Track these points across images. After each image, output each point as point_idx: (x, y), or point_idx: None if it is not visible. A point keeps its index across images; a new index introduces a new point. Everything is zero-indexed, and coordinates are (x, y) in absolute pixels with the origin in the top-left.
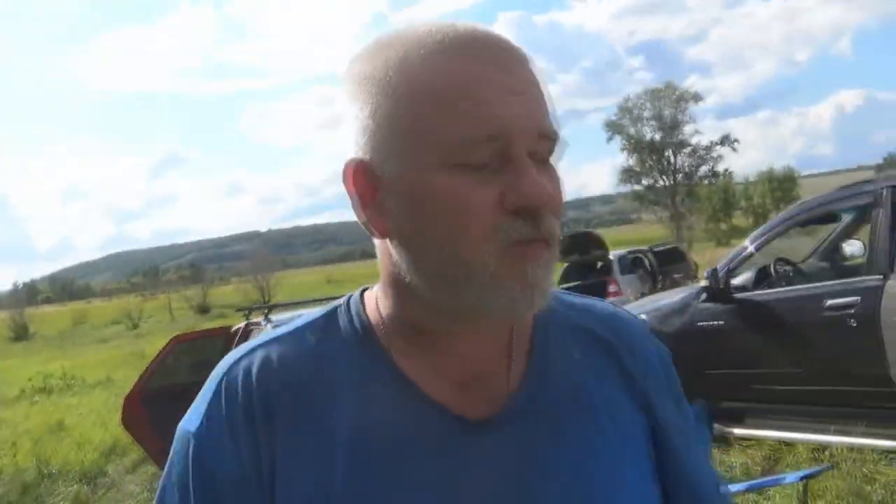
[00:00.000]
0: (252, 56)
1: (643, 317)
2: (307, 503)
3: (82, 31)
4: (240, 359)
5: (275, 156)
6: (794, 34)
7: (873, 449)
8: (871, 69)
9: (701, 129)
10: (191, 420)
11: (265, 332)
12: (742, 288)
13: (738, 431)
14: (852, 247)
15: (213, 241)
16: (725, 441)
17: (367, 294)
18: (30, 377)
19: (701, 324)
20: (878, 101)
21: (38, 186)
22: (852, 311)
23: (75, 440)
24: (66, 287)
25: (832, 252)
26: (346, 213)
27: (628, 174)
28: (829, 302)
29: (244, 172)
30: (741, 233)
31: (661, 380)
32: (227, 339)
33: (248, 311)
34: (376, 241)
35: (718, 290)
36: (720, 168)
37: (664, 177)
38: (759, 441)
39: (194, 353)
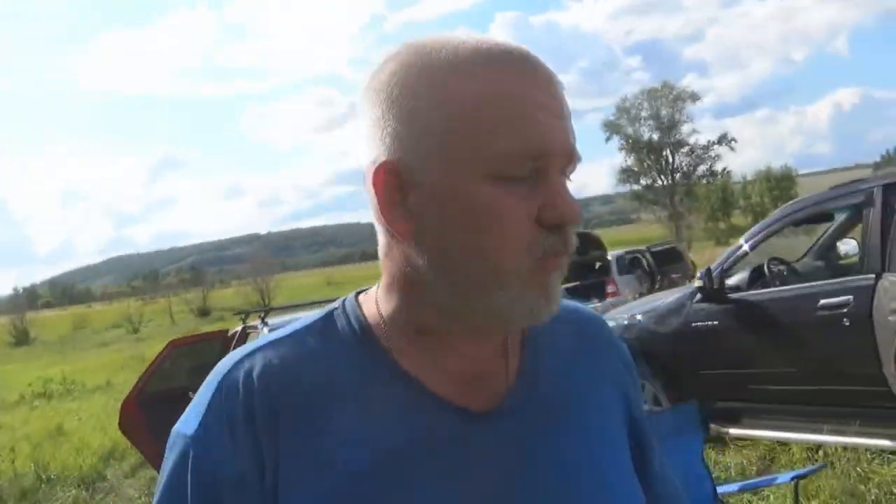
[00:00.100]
0: (251, 57)
1: (639, 318)
2: (326, 501)
3: (81, 32)
4: (239, 362)
5: (274, 158)
6: (790, 33)
7: (867, 448)
8: (867, 67)
9: (699, 129)
10: (188, 423)
11: (262, 336)
12: (736, 288)
13: (733, 431)
14: (847, 246)
15: (212, 243)
16: (721, 441)
17: (361, 297)
18: (29, 382)
19: (696, 324)
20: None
21: (38, 189)
22: (845, 310)
23: (74, 445)
24: (66, 291)
25: (826, 251)
26: (345, 216)
27: (627, 174)
28: (823, 301)
29: (243, 174)
30: (740, 232)
31: (634, 379)
32: (224, 342)
33: (244, 314)
34: (384, 241)
35: (712, 291)
36: (718, 167)
37: (662, 176)
38: (754, 441)
39: (191, 357)
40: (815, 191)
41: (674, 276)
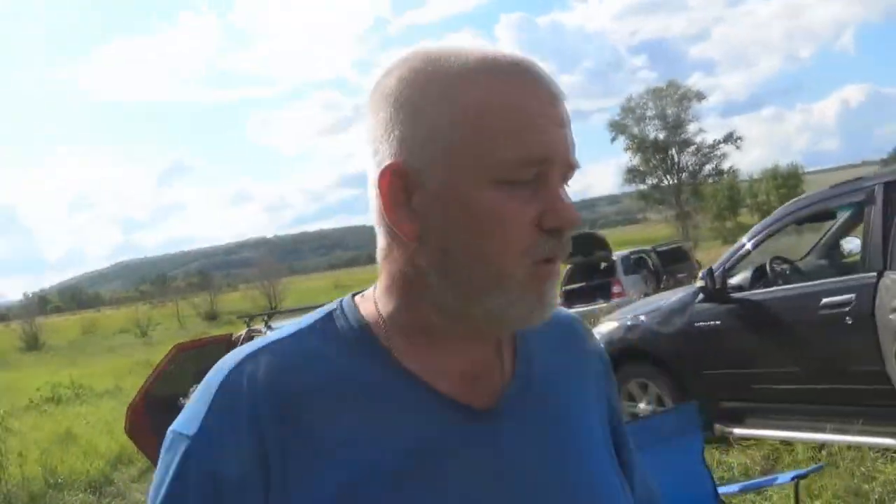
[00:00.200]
0: (256, 63)
1: (642, 318)
2: (331, 502)
3: (88, 41)
4: (240, 362)
5: (280, 162)
6: (796, 30)
7: (871, 447)
8: (874, 64)
9: (705, 128)
10: (187, 423)
11: (262, 337)
12: (739, 287)
13: (737, 431)
14: (850, 244)
15: (220, 248)
16: (725, 441)
17: (358, 298)
18: (38, 387)
19: (698, 324)
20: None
21: (46, 197)
22: (847, 309)
23: (82, 449)
24: (75, 296)
25: (830, 250)
26: (351, 218)
27: (633, 174)
28: (825, 300)
29: (250, 180)
30: (747, 231)
31: (612, 381)
32: (228, 346)
33: (249, 318)
34: (385, 242)
35: (715, 291)
36: (725, 166)
37: (669, 176)
38: (758, 441)
39: (197, 360)
40: (822, 188)
41: (679, 275)
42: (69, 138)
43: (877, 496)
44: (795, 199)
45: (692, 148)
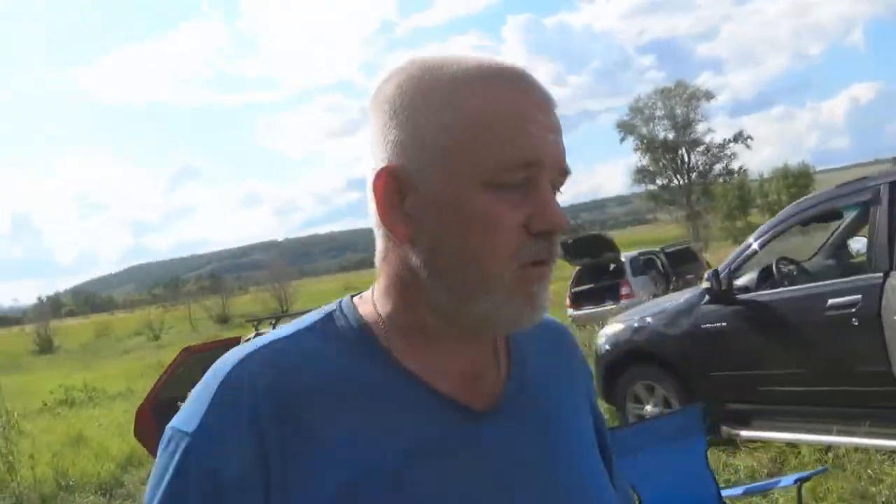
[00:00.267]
0: (263, 68)
1: (648, 320)
2: (331, 502)
3: (96, 47)
4: (241, 361)
5: (288, 165)
6: (804, 28)
7: (878, 449)
8: (884, 61)
9: (714, 127)
10: (187, 420)
11: (261, 337)
12: (745, 289)
13: (744, 433)
14: (858, 244)
15: (231, 251)
16: (732, 443)
17: (356, 300)
18: (51, 390)
19: (704, 326)
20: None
21: (58, 201)
22: (854, 309)
23: (93, 451)
24: (88, 300)
25: (837, 250)
26: (360, 221)
27: (642, 174)
28: (831, 301)
29: (258, 183)
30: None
31: (592, 385)
32: None
33: (257, 321)
34: (382, 245)
35: (721, 292)
36: (735, 165)
37: (678, 176)
38: (765, 443)
39: (206, 363)
40: (828, 188)
41: (689, 276)
42: (79, 142)
43: (883, 499)
44: (801, 199)
45: (701, 148)
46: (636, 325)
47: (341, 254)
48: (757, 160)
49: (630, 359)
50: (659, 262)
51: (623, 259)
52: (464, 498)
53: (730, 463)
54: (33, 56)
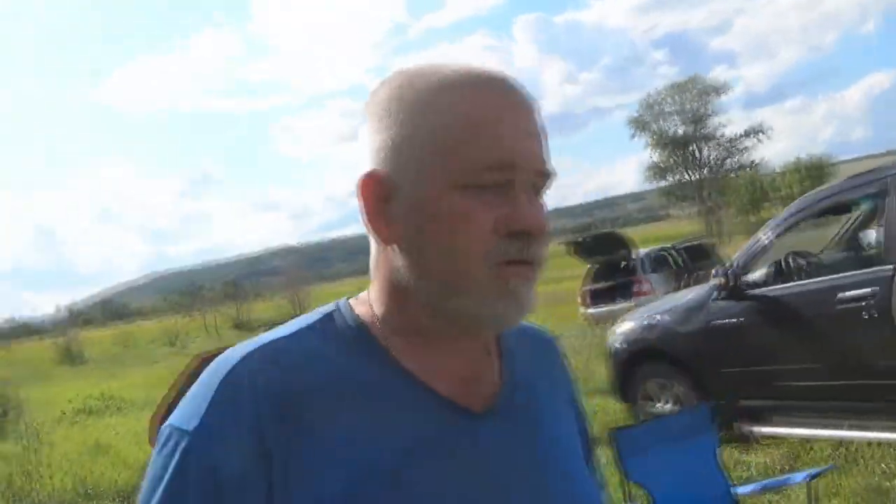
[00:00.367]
0: (276, 73)
1: (659, 318)
2: (332, 501)
3: (110, 59)
4: (242, 360)
5: (302, 170)
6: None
7: (893, 444)
8: None
9: (728, 121)
10: (186, 418)
11: (262, 336)
12: (756, 284)
13: (757, 430)
14: (871, 236)
15: (248, 257)
16: (746, 440)
17: (353, 301)
18: (70, 399)
19: (716, 322)
20: None
21: (77, 211)
22: (866, 302)
23: (111, 460)
24: (109, 309)
25: (849, 243)
26: None
27: (655, 171)
28: (842, 295)
29: (273, 188)
30: None
31: (576, 391)
32: None
33: (268, 328)
34: (375, 248)
35: (731, 288)
36: (750, 159)
37: (690, 172)
38: (779, 439)
39: None
40: (839, 180)
41: (703, 272)
42: (97, 153)
43: None
44: (811, 192)
45: (715, 142)
46: (647, 322)
47: (356, 257)
48: (773, 153)
49: (642, 357)
50: (673, 259)
51: (637, 256)
52: (461, 497)
53: (743, 460)
54: (47, 70)
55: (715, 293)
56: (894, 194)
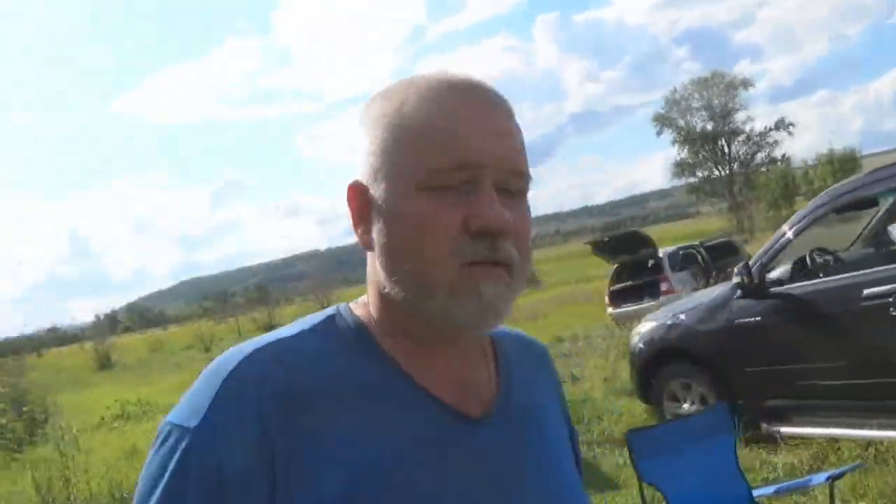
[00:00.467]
0: (300, 81)
1: (682, 317)
2: (332, 501)
3: (138, 71)
4: (245, 359)
5: (327, 175)
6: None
7: None
8: None
9: (754, 116)
10: (187, 416)
11: (264, 336)
12: (778, 281)
13: (783, 430)
14: None
15: (276, 262)
16: (773, 440)
17: (353, 305)
18: (108, 405)
19: (738, 321)
20: None
21: (110, 221)
22: (893, 298)
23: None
24: (142, 315)
25: (875, 237)
26: None
27: (682, 167)
28: (867, 291)
29: (300, 193)
30: None
31: (565, 401)
32: None
33: None
34: (368, 255)
35: (753, 286)
36: (778, 153)
37: (719, 167)
38: (806, 439)
39: None
40: (862, 174)
41: (730, 270)
42: (126, 162)
43: None
44: (831, 187)
45: (742, 137)
46: (669, 322)
47: None
48: (801, 146)
49: (664, 357)
50: (699, 257)
51: (661, 255)
52: (461, 497)
53: (769, 460)
54: (84, 82)
55: (737, 291)
56: None
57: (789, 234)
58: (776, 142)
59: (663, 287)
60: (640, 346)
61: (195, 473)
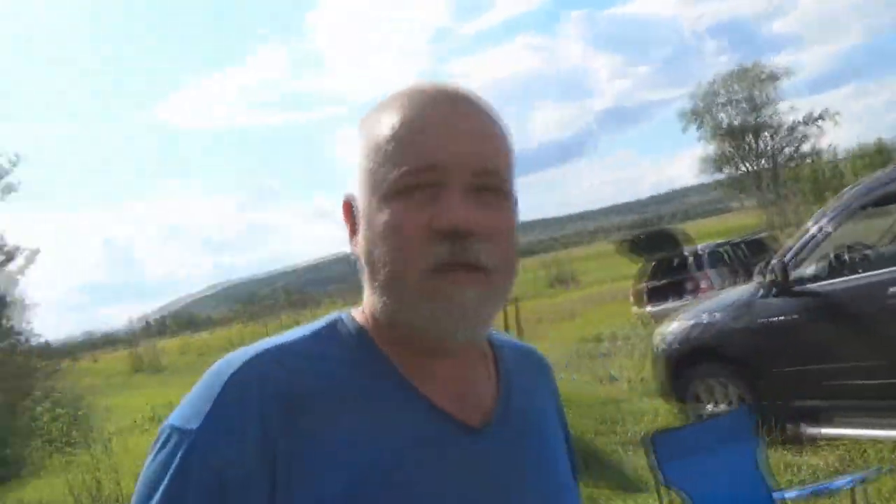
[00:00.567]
0: (328, 85)
1: (706, 316)
2: (332, 501)
3: (170, 78)
4: (248, 362)
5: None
6: None
7: None
8: None
9: (789, 108)
10: (189, 418)
11: (266, 339)
12: (806, 279)
13: (810, 431)
14: None
15: (308, 265)
16: (799, 442)
17: (354, 311)
18: (141, 408)
19: (764, 320)
20: None
21: (144, 228)
22: None
23: None
24: (178, 319)
25: None
26: None
27: (715, 162)
28: (893, 289)
29: (331, 197)
30: None
31: (562, 408)
32: None
33: None
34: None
35: (778, 284)
36: (811, 147)
37: (747, 164)
38: (833, 441)
39: None
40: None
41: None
42: (159, 170)
43: None
44: (859, 181)
45: (774, 130)
46: (694, 322)
47: None
48: (835, 139)
49: (690, 357)
50: (731, 255)
51: (697, 251)
52: (461, 497)
53: (793, 462)
54: (117, 91)
55: (763, 290)
56: None
57: (818, 230)
58: (808, 136)
59: (695, 285)
60: (665, 345)
61: (196, 475)
